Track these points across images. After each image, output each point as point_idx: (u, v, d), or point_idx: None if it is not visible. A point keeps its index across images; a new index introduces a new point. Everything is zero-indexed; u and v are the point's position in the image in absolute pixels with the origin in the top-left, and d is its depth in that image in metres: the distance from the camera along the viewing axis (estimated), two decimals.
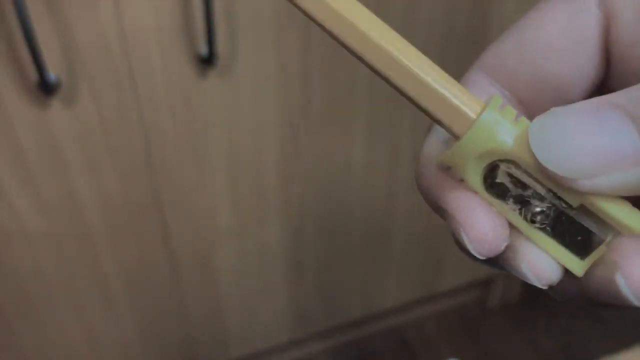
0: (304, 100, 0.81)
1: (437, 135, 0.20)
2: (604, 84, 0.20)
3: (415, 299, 1.20)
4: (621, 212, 0.17)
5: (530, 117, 0.18)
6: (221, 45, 0.71)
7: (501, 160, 0.18)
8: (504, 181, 0.18)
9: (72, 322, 0.88)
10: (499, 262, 0.19)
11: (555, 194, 0.17)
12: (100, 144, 0.73)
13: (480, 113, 0.17)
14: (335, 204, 0.95)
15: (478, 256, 0.18)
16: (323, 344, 1.19)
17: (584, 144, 0.16)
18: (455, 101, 0.17)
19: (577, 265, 0.18)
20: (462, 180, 0.18)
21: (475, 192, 0.18)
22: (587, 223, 0.18)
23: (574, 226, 0.18)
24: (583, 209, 0.17)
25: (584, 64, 0.19)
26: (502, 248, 0.18)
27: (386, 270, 1.11)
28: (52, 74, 0.65)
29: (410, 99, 0.18)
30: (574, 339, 1.24)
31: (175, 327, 0.98)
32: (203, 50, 0.70)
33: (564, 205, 0.17)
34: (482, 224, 0.18)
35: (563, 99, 0.19)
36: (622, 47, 0.19)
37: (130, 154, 0.76)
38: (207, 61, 0.71)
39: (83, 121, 0.70)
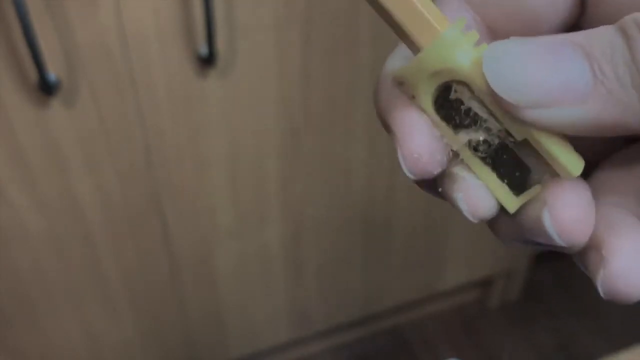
0: (304, 100, 0.81)
1: (400, 53, 0.19)
2: (577, 25, 0.20)
3: (415, 299, 1.20)
4: (562, 153, 0.17)
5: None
6: (221, 45, 0.71)
7: (454, 82, 0.17)
8: (453, 104, 0.18)
9: (72, 322, 0.88)
10: (437, 190, 0.19)
11: (501, 123, 0.17)
12: (100, 144, 0.73)
13: (443, 30, 0.17)
14: (335, 204, 0.95)
15: (409, 175, 0.18)
16: (323, 344, 1.19)
17: (537, 74, 0.16)
18: (424, 13, 0.17)
19: (511, 201, 0.18)
20: (413, 98, 0.18)
21: (423, 112, 0.18)
22: (527, 160, 0.17)
23: (513, 161, 0.18)
24: (526, 144, 0.17)
25: (558, 0, 0.19)
26: (435, 172, 0.18)
27: (386, 270, 1.11)
28: (52, 74, 0.65)
29: (380, 6, 0.18)
30: (574, 339, 1.24)
31: (175, 327, 0.98)
32: (203, 50, 0.70)
33: (508, 137, 0.17)
34: (418, 142, 0.18)
35: (533, 32, 0.19)
36: None
37: (130, 154, 0.76)
38: (207, 61, 0.71)
39: (83, 121, 0.70)
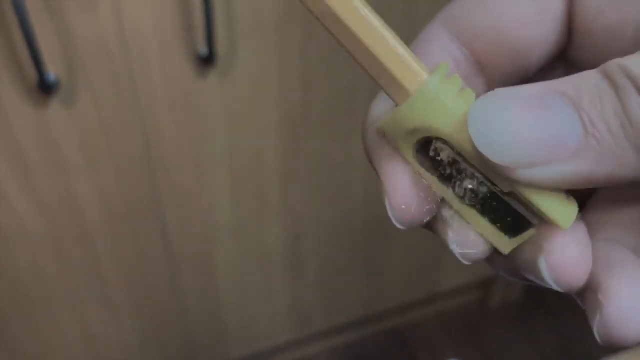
0: (304, 100, 0.81)
1: (384, 97, 0.19)
2: (564, 53, 0.20)
3: (415, 299, 1.20)
4: (551, 206, 0.16)
5: (486, 78, 0.17)
6: (221, 45, 0.71)
7: (434, 138, 0.17)
8: (437, 156, 0.17)
9: (71, 322, 0.88)
10: (430, 228, 0.19)
11: (486, 178, 0.17)
12: (99, 144, 0.73)
13: (421, 83, 0.16)
14: (335, 204, 0.95)
15: (398, 225, 0.18)
16: (323, 344, 1.19)
17: (526, 133, 0.15)
18: (395, 70, 0.17)
19: (504, 244, 0.17)
20: (397, 148, 0.18)
21: (407, 163, 0.18)
22: (517, 207, 0.17)
23: (503, 208, 0.17)
24: (512, 194, 0.17)
25: (546, 31, 0.19)
26: (425, 220, 0.18)
27: (386, 270, 1.11)
28: (52, 74, 0.65)
29: (356, 58, 0.17)
30: (574, 339, 1.23)
31: (175, 327, 0.98)
32: (203, 49, 0.70)
33: (495, 188, 0.17)
34: (404, 194, 0.17)
35: (521, 63, 0.19)
36: (586, 18, 0.18)
37: (130, 153, 0.76)
38: (207, 61, 0.71)
39: (82, 121, 0.70)
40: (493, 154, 0.15)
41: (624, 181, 0.15)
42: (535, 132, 0.15)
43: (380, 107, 0.19)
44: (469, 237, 0.18)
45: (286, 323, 1.08)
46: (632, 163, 0.15)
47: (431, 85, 0.16)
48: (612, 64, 0.15)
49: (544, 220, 0.17)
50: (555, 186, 0.16)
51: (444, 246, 0.18)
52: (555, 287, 0.17)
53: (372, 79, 0.17)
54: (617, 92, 0.15)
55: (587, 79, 0.15)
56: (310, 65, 0.78)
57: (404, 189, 0.17)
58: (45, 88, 0.65)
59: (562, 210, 0.16)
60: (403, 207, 0.17)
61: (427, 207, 0.18)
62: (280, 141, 0.83)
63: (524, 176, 0.15)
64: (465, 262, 0.18)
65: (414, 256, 1.11)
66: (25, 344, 0.87)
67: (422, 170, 0.18)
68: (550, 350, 1.22)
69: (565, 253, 0.16)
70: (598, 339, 0.17)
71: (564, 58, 0.20)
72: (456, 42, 0.19)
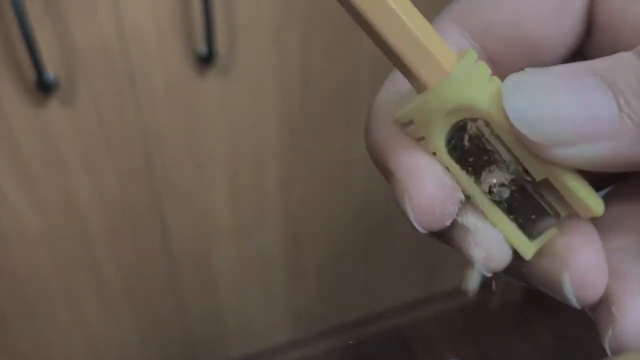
0: (304, 100, 0.81)
1: (392, 87, 0.18)
2: (581, 50, 0.19)
3: (415, 299, 1.20)
4: (585, 192, 0.16)
5: (499, 77, 0.16)
6: (221, 45, 0.71)
7: (470, 120, 0.16)
8: (467, 145, 0.16)
9: (71, 322, 0.88)
10: (445, 239, 0.18)
11: (520, 163, 0.16)
12: (99, 144, 0.73)
13: (455, 66, 0.16)
14: (335, 204, 0.95)
15: (418, 228, 0.17)
16: (323, 344, 1.19)
17: (562, 110, 0.15)
18: (432, 49, 0.16)
19: (527, 247, 0.17)
20: (420, 139, 0.17)
21: (433, 154, 0.17)
22: (544, 201, 0.17)
23: (530, 204, 0.17)
24: (543, 184, 0.16)
25: (565, 27, 0.18)
26: (447, 224, 0.16)
27: (386, 270, 1.11)
28: (51, 74, 0.65)
29: (381, 40, 0.16)
30: (574, 339, 1.23)
31: (175, 327, 0.98)
32: (203, 49, 0.70)
33: (526, 178, 0.16)
34: (430, 192, 0.16)
35: (535, 62, 0.18)
36: (610, 13, 0.18)
37: (130, 153, 0.75)
38: (206, 61, 0.71)
39: (82, 121, 0.70)
40: (527, 129, 0.15)
41: None
42: (570, 109, 0.15)
43: (389, 98, 0.18)
44: (494, 243, 0.17)
45: (286, 323, 1.08)
46: None
47: (467, 63, 0.16)
48: None
49: (569, 214, 0.17)
50: (590, 167, 0.15)
51: (464, 256, 0.17)
52: (574, 302, 0.16)
53: (396, 59, 0.16)
54: None
55: (623, 60, 0.15)
56: (310, 65, 0.78)
57: (430, 185, 0.16)
58: (44, 88, 0.65)
59: (592, 197, 0.16)
60: (427, 207, 0.16)
61: (451, 208, 0.16)
62: (280, 141, 0.83)
63: (558, 155, 0.15)
64: (485, 271, 0.17)
65: (414, 256, 1.11)
66: (25, 344, 0.87)
67: (451, 163, 0.17)
68: (550, 350, 1.22)
69: (588, 268, 0.16)
70: (609, 351, 0.16)
71: (581, 55, 0.19)
72: (468, 38, 0.19)
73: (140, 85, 0.70)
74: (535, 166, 0.16)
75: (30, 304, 0.83)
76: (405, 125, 0.17)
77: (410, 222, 0.17)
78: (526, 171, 0.16)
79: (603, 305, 0.16)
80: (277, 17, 0.72)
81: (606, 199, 0.18)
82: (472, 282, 0.17)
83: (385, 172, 0.17)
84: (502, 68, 0.18)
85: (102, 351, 0.94)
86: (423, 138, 0.17)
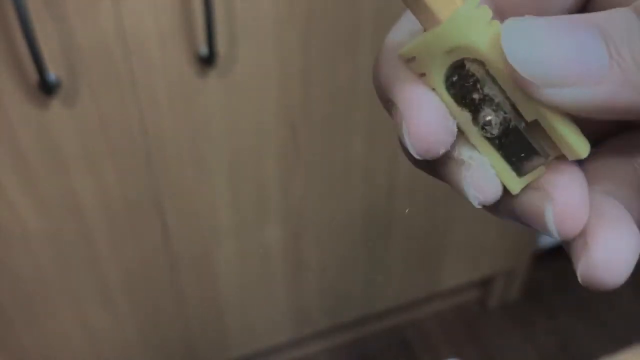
0: (304, 100, 0.81)
1: (404, 26, 0.19)
2: (585, 9, 0.20)
3: (415, 299, 1.20)
4: (571, 134, 0.17)
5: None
6: (221, 45, 0.71)
7: (468, 60, 0.17)
8: (464, 83, 0.18)
9: (72, 321, 0.88)
10: (440, 173, 0.19)
11: (513, 103, 0.17)
12: (100, 144, 0.73)
13: (457, 6, 0.17)
14: (335, 203, 0.95)
15: (414, 154, 0.18)
16: (323, 344, 1.19)
17: (556, 51, 0.16)
18: None
19: (514, 182, 0.18)
20: (422, 75, 0.18)
21: (433, 89, 0.18)
22: (534, 141, 0.18)
23: (520, 142, 0.18)
24: (534, 125, 0.17)
25: None
26: (441, 152, 0.17)
27: (386, 270, 1.11)
28: (52, 74, 0.65)
29: None
30: (574, 339, 1.24)
31: (175, 327, 0.98)
32: (203, 50, 0.70)
33: (518, 118, 0.17)
34: (427, 118, 0.17)
35: (541, 13, 0.19)
36: None
37: (130, 153, 0.76)
38: (207, 61, 0.71)
39: (83, 121, 0.70)
40: (522, 68, 0.16)
41: None
42: (563, 51, 0.16)
43: (399, 36, 0.19)
44: (485, 175, 0.18)
45: (286, 322, 1.08)
46: None
47: (469, 6, 0.17)
48: None
49: (557, 154, 0.18)
50: (578, 111, 0.16)
51: (455, 188, 0.18)
52: (555, 235, 0.17)
53: (409, 7, 0.18)
54: None
55: (619, 13, 0.16)
56: (310, 65, 0.78)
57: (428, 112, 0.17)
58: (46, 88, 0.65)
59: (580, 140, 0.17)
60: (423, 132, 0.17)
61: (446, 137, 0.17)
62: (280, 141, 0.83)
63: (549, 96, 0.16)
64: (476, 204, 0.18)
65: (413, 255, 1.11)
66: (26, 342, 0.87)
67: (448, 98, 0.18)
68: (550, 350, 1.22)
69: (572, 205, 0.17)
70: (580, 281, 0.17)
71: (586, 11, 0.20)
72: None
73: (141, 85, 0.71)
74: (526, 107, 0.17)
75: (31, 302, 0.83)
76: (409, 61, 0.18)
77: (407, 150, 0.18)
78: (518, 112, 0.17)
79: (579, 237, 0.17)
80: (277, 18, 0.72)
81: (599, 149, 0.20)
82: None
83: (389, 105, 0.19)
84: (506, 17, 0.19)
85: (103, 350, 0.94)
86: (424, 74, 0.18)
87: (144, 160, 0.77)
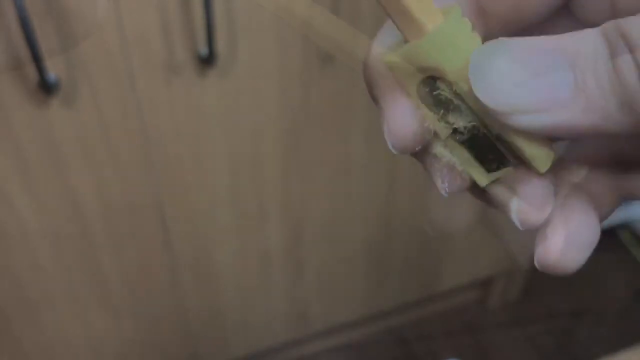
0: (304, 100, 0.81)
1: (392, 28, 0.20)
2: (568, 6, 0.20)
3: (415, 299, 1.20)
4: (532, 151, 0.18)
5: (487, 25, 0.18)
6: (221, 45, 0.71)
7: (438, 78, 0.18)
8: (437, 94, 0.19)
9: (72, 322, 0.88)
10: (420, 161, 0.21)
11: (479, 118, 0.18)
12: (100, 144, 0.73)
13: (436, 24, 0.18)
14: (334, 204, 0.95)
15: (392, 149, 0.20)
16: (323, 343, 1.19)
17: (521, 85, 0.16)
18: (415, 7, 0.17)
19: (482, 177, 0.20)
20: (401, 81, 0.19)
21: (409, 95, 0.19)
22: (502, 148, 0.19)
23: (488, 146, 0.19)
24: (499, 136, 0.19)
25: None
26: (416, 149, 0.19)
27: (386, 270, 1.11)
28: (52, 74, 0.65)
29: None
30: (574, 339, 1.24)
31: (175, 327, 0.98)
32: (203, 50, 0.70)
33: (484, 130, 0.19)
34: (402, 122, 0.19)
35: (523, 12, 0.20)
36: None
37: (130, 153, 0.76)
38: (207, 61, 0.71)
39: (83, 121, 0.70)
40: (488, 100, 0.17)
41: (606, 134, 0.16)
42: (530, 83, 0.16)
43: (387, 39, 0.20)
44: (452, 171, 0.20)
45: (286, 323, 1.08)
46: (616, 118, 0.16)
47: (447, 27, 0.18)
48: (610, 25, 0.16)
49: (523, 162, 0.19)
50: (542, 133, 0.17)
51: (430, 180, 0.20)
52: (519, 226, 0.19)
53: (388, 14, 0.18)
54: (611, 50, 0.16)
55: (588, 37, 0.16)
56: (310, 65, 0.78)
57: (403, 115, 0.19)
58: (45, 88, 0.65)
59: (541, 156, 0.18)
60: (399, 133, 0.19)
61: (419, 137, 0.19)
62: (280, 141, 0.83)
63: (514, 121, 0.17)
64: (444, 194, 0.20)
65: (413, 256, 1.11)
66: (26, 342, 0.87)
67: (421, 104, 0.19)
68: (549, 350, 1.22)
69: (534, 205, 0.19)
70: (537, 265, 0.20)
71: (567, 10, 0.20)
72: None
73: (141, 86, 0.71)
74: (492, 123, 0.18)
75: (31, 303, 0.83)
76: (391, 67, 0.19)
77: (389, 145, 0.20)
78: (484, 124, 0.19)
79: (542, 228, 0.19)
80: (277, 18, 0.72)
81: (575, 142, 0.21)
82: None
83: (375, 101, 0.20)
84: (491, 17, 0.20)
85: (103, 350, 0.94)
86: (403, 80, 0.19)
87: (144, 160, 0.77)
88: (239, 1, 0.69)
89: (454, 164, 0.20)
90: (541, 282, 1.32)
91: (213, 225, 0.88)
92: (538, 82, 0.16)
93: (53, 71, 0.65)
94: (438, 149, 0.20)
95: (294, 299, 1.05)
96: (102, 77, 0.69)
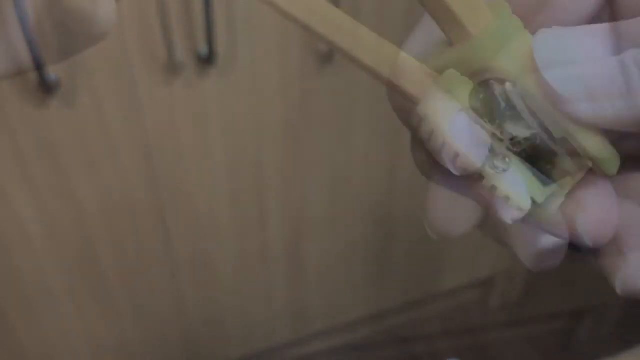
0: (304, 100, 0.81)
1: (422, 36, 0.18)
2: (598, 17, 0.19)
3: (415, 299, 1.20)
4: (600, 152, 0.17)
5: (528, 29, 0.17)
6: (221, 45, 0.71)
7: (495, 79, 0.17)
8: (491, 99, 0.17)
9: (72, 321, 0.88)
10: (465, 186, 0.18)
11: (541, 121, 0.17)
12: (100, 144, 0.73)
13: (485, 26, 0.16)
14: (335, 203, 0.95)
15: (454, 172, 0.17)
16: (323, 344, 1.19)
17: (587, 65, 0.15)
18: (458, 5, 0.16)
19: (540, 193, 0.18)
20: (448, 90, 0.17)
21: (460, 104, 0.17)
22: (561, 154, 0.17)
23: (548, 156, 0.18)
24: (562, 141, 0.17)
25: None
26: (478, 166, 0.17)
27: (386, 270, 1.11)
28: (52, 74, 0.65)
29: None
30: (574, 339, 1.23)
31: (175, 327, 0.98)
32: (203, 50, 0.70)
33: (546, 134, 0.17)
34: (460, 138, 0.17)
35: (558, 20, 0.18)
36: None
37: (130, 153, 0.76)
38: (207, 61, 0.71)
39: (83, 121, 0.70)
40: (558, 83, 0.16)
41: None
42: (594, 65, 0.15)
43: (420, 45, 0.18)
44: (517, 190, 0.17)
45: (286, 323, 1.08)
46: None
47: (503, 24, 0.16)
48: None
49: (584, 167, 0.17)
50: (609, 124, 0.16)
51: (483, 205, 0.18)
52: (587, 242, 0.17)
53: (429, 13, 0.17)
54: None
55: None
56: (310, 65, 0.78)
57: (459, 132, 0.17)
58: (45, 88, 0.65)
59: (609, 157, 0.17)
60: (459, 151, 0.17)
61: (480, 151, 0.17)
62: (280, 141, 0.83)
63: (580, 111, 0.16)
64: (507, 220, 0.18)
65: (414, 256, 1.11)
66: (26, 342, 0.87)
67: (474, 115, 0.17)
68: (550, 350, 1.22)
69: (601, 209, 0.17)
70: (619, 290, 0.17)
71: (598, 21, 0.19)
72: None
73: (141, 85, 0.71)
74: (555, 125, 0.17)
75: (31, 303, 0.83)
76: (433, 75, 0.18)
77: (445, 163, 0.17)
78: (546, 128, 0.17)
79: (612, 247, 0.17)
80: (277, 17, 0.72)
81: (632, 162, 0.19)
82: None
83: (411, 117, 0.18)
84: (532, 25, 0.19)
85: (103, 350, 0.94)
86: (450, 89, 0.17)
87: (144, 160, 0.77)
88: (239, 1, 0.69)
89: (517, 184, 0.17)
90: (541, 282, 1.32)
91: (213, 226, 0.88)
92: (602, 62, 0.15)
93: (53, 71, 0.65)
94: (499, 169, 0.17)
95: (294, 299, 1.05)
96: (102, 77, 0.68)
